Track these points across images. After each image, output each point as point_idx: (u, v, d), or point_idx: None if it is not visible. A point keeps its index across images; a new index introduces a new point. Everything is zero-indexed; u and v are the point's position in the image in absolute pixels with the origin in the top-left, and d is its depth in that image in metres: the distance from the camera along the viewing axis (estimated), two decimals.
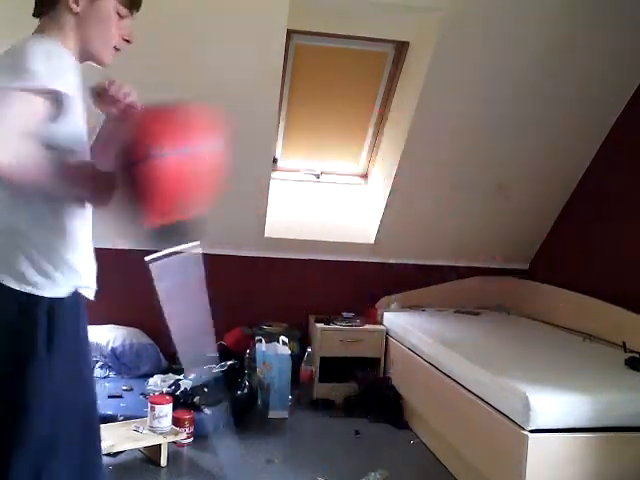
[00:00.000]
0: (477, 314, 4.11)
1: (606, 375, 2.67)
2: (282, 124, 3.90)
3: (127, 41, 1.49)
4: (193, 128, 1.32)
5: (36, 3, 1.44)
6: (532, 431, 2.26)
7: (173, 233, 1.36)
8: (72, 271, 1.41)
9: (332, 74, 3.75)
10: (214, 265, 4.07)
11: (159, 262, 1.48)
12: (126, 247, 3.78)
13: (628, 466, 2.35)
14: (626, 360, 2.83)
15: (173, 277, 1.53)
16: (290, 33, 3.28)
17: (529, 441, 2.24)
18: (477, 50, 3.18)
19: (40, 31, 1.41)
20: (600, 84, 3.42)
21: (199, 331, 1.53)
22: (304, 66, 3.65)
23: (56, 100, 1.30)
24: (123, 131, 1.36)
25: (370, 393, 3.66)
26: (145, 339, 3.87)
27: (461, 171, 3.83)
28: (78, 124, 1.40)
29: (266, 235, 4.05)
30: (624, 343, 3.09)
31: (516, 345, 3.25)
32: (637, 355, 2.88)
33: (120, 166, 1.29)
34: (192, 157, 1.29)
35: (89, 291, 1.48)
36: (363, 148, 4.14)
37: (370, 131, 4.02)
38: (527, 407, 2.26)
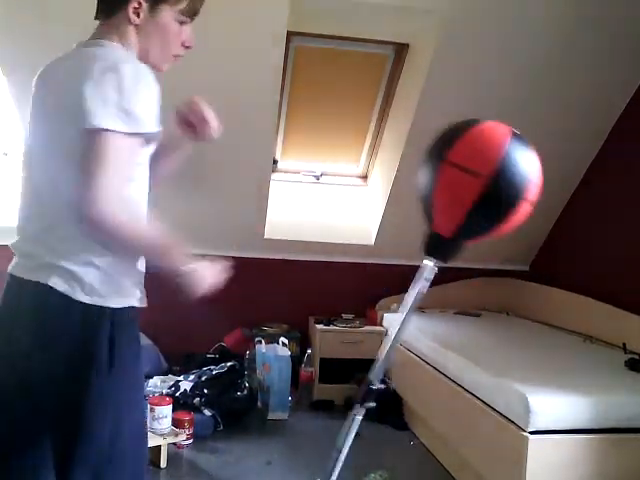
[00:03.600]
0: (478, 315, 4.12)
1: (606, 376, 2.67)
2: (282, 126, 3.91)
3: (187, 47, 1.49)
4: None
5: (97, 7, 1.42)
6: (532, 432, 2.26)
7: (456, 250, 1.48)
8: (137, 282, 1.43)
9: (332, 76, 3.75)
10: None
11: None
12: None
13: (628, 467, 2.35)
14: (626, 361, 2.83)
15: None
16: (290, 35, 3.28)
17: (529, 442, 2.24)
18: (477, 52, 3.18)
19: (101, 35, 1.39)
20: (600, 84, 3.43)
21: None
22: (304, 68, 3.66)
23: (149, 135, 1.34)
24: None
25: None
26: (145, 340, 3.86)
27: None
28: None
29: (266, 236, 4.06)
30: (624, 344, 3.09)
31: (516, 346, 3.26)
32: (637, 356, 2.88)
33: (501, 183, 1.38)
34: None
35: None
36: (363, 150, 4.14)
37: (370, 133, 4.02)
38: (527, 408, 2.26)
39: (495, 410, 2.48)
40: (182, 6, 1.42)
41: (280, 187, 4.09)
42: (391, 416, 3.49)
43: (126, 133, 1.25)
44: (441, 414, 3.03)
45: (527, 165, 1.40)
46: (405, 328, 1.58)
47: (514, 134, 1.42)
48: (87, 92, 1.24)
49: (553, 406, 2.30)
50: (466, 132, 1.44)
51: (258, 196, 3.82)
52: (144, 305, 1.46)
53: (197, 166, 3.63)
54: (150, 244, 1.37)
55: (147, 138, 1.34)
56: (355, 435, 3.32)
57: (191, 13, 1.46)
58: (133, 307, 1.41)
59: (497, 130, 1.43)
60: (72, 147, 1.26)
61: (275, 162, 4.03)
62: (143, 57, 1.44)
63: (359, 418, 1.54)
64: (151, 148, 1.40)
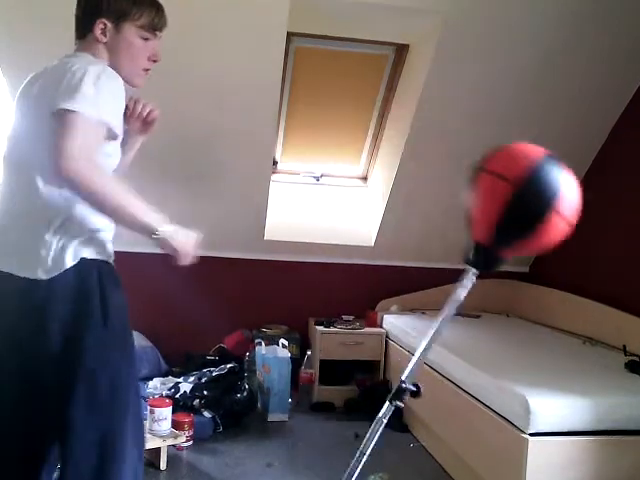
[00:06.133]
0: (477, 317, 4.11)
1: (606, 378, 2.66)
2: (282, 126, 3.91)
3: (154, 61, 1.63)
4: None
5: (75, 28, 1.58)
6: (532, 434, 2.26)
7: (494, 263, 1.50)
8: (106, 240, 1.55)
9: (332, 76, 3.75)
10: (214, 267, 4.10)
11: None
12: (124, 249, 3.78)
13: (628, 469, 2.34)
14: (626, 363, 2.82)
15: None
16: (290, 35, 3.28)
17: (529, 444, 2.24)
18: (477, 52, 3.18)
19: (80, 50, 1.56)
20: (600, 86, 3.43)
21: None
22: (304, 69, 3.65)
23: (107, 129, 1.45)
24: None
25: (370, 396, 3.65)
26: (145, 342, 3.86)
27: (461, 173, 3.82)
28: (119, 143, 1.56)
29: (266, 238, 4.05)
30: (624, 346, 3.08)
31: (516, 348, 3.25)
32: (637, 358, 2.87)
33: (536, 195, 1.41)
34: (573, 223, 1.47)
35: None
36: (363, 150, 4.14)
37: (370, 133, 4.02)
38: (527, 410, 2.25)
39: (495, 412, 2.48)
40: (142, 22, 1.57)
41: (280, 188, 4.09)
42: (391, 418, 3.47)
43: (91, 118, 1.39)
44: (441, 416, 3.02)
45: (559, 179, 1.43)
46: (441, 332, 1.62)
47: (550, 154, 1.46)
48: (62, 84, 1.40)
49: (553, 408, 2.30)
50: (506, 147, 1.51)
51: (258, 197, 3.82)
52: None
53: (197, 167, 3.63)
54: (124, 201, 1.42)
55: (110, 131, 1.46)
56: (355, 436, 3.34)
57: (151, 28, 1.59)
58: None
59: (533, 147, 1.48)
60: (48, 133, 1.39)
61: (275, 162, 4.03)
62: (116, 71, 1.54)
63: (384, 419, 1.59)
64: (116, 145, 1.53)
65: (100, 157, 1.44)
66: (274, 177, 3.97)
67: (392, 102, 3.77)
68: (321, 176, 4.20)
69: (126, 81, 1.57)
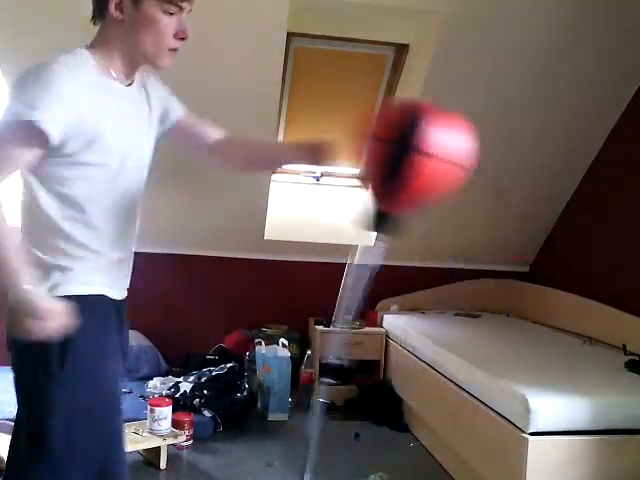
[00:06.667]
0: (477, 317, 4.11)
1: (606, 378, 2.67)
2: (282, 127, 3.90)
3: (182, 38, 1.41)
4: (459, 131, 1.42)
5: (92, 10, 1.42)
6: (532, 434, 2.26)
7: (393, 224, 1.50)
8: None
9: (332, 77, 3.75)
10: (214, 267, 4.10)
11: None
12: None
13: (628, 468, 2.34)
14: (626, 363, 2.82)
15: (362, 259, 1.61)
16: (290, 36, 3.28)
17: (529, 444, 2.24)
18: (477, 53, 3.18)
19: (97, 34, 1.42)
20: (600, 87, 3.43)
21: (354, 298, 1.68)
22: (304, 69, 3.65)
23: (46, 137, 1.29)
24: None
25: (370, 396, 3.65)
26: (144, 342, 3.86)
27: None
28: (103, 142, 1.37)
29: (266, 237, 4.05)
30: (624, 346, 3.08)
31: (516, 347, 3.25)
32: (637, 358, 2.87)
33: (398, 142, 1.34)
34: (454, 161, 1.37)
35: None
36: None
37: None
38: (527, 410, 2.26)
39: (495, 411, 2.48)
40: None
41: (280, 188, 4.09)
42: (391, 418, 3.48)
43: (9, 128, 1.28)
44: (441, 415, 3.03)
45: (426, 122, 1.35)
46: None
47: (428, 105, 1.40)
48: None
49: (553, 407, 2.30)
50: (386, 107, 1.52)
51: (258, 197, 3.82)
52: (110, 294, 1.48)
53: (197, 167, 3.63)
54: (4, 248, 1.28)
55: (38, 134, 1.28)
56: (355, 436, 3.33)
57: (175, 0, 1.36)
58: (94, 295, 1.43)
59: (413, 102, 1.45)
60: None
61: None
62: (138, 54, 1.41)
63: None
64: (101, 152, 1.38)
65: (53, 167, 1.35)
66: (274, 177, 3.97)
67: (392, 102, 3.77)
68: (321, 176, 4.19)
69: (149, 63, 1.43)
